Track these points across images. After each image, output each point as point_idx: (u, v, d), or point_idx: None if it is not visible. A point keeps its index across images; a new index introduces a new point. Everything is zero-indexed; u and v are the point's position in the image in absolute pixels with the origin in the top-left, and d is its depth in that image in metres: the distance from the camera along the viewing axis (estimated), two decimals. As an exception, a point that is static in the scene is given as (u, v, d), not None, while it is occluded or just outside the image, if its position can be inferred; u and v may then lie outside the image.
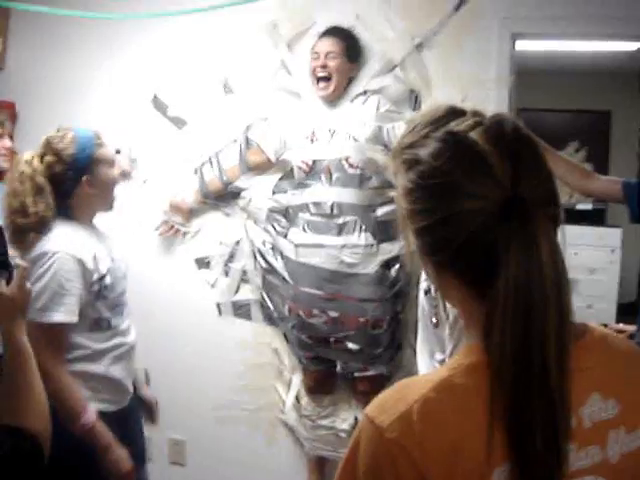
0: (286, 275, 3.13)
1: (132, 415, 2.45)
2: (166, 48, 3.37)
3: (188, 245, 3.42)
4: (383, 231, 2.99)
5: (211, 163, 3.32)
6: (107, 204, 2.35)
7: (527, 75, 3.46)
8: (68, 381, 2.11)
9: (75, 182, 2.21)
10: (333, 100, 3.05)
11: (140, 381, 2.56)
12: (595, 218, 5.67)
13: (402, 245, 2.98)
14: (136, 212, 3.44)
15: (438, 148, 0.94)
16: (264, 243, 3.23)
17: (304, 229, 3.04)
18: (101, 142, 2.27)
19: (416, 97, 3.05)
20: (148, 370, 3.44)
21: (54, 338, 2.11)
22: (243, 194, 3.26)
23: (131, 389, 2.42)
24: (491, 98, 2.99)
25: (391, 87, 3.05)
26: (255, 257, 3.26)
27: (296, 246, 3.05)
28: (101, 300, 2.23)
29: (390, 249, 2.99)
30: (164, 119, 3.41)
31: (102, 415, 2.18)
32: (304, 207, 3.04)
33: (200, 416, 3.44)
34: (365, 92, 3.06)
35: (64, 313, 2.11)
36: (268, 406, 3.34)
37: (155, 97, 3.40)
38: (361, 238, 2.96)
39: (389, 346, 3.02)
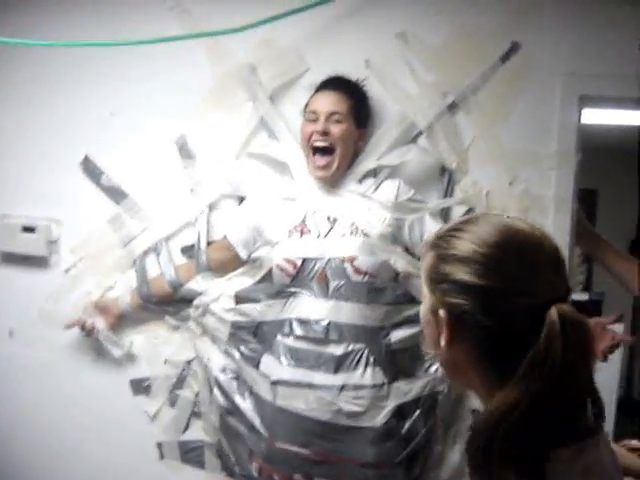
0: (256, 422, 2.20)
1: None
2: (105, 94, 2.50)
3: (122, 362, 2.50)
4: (397, 364, 2.16)
5: (157, 254, 2.43)
6: None
7: (593, 151, 2.65)
8: None
9: None
10: (334, 180, 2.21)
11: None
12: (592, 310, 5.05)
13: (423, 385, 2.14)
14: (57, 309, 2.53)
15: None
16: (225, 370, 2.31)
17: (285, 358, 2.15)
18: None
19: (449, 178, 2.23)
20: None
21: None
22: (197, 301, 2.36)
23: None
24: (550, 181, 2.22)
25: (413, 162, 2.23)
26: (211, 389, 2.35)
27: (273, 383, 2.15)
28: None
29: (407, 390, 2.15)
30: (98, 189, 2.53)
31: None
32: (285, 326, 2.17)
33: None
34: (377, 170, 2.23)
35: None
36: None
37: (86, 159, 2.52)
38: (367, 376, 2.11)
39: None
